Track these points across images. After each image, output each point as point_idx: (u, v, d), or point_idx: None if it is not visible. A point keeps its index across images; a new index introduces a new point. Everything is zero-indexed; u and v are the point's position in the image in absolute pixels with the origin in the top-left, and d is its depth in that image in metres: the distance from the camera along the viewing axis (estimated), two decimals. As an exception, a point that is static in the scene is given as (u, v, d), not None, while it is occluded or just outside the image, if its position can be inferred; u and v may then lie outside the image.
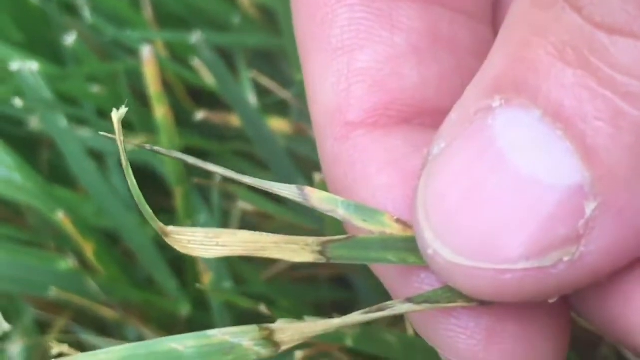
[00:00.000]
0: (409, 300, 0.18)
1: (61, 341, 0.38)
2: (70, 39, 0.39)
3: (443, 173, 0.17)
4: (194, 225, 0.38)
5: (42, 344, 0.38)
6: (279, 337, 0.17)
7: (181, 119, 0.38)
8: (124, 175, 0.40)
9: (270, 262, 0.41)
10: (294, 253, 0.18)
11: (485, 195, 0.16)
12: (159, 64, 0.37)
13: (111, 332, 0.40)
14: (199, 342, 0.17)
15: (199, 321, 0.39)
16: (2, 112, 0.40)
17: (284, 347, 0.17)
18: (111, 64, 0.40)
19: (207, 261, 0.37)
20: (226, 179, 0.38)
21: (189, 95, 0.43)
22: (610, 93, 0.15)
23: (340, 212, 0.18)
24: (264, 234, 0.18)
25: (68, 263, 0.37)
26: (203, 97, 0.42)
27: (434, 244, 0.17)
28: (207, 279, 0.36)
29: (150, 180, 0.40)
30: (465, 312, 0.18)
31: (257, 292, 0.38)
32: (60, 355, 0.32)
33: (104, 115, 0.42)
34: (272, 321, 0.29)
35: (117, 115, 0.17)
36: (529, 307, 0.18)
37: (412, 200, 0.18)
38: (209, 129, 0.40)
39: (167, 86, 0.41)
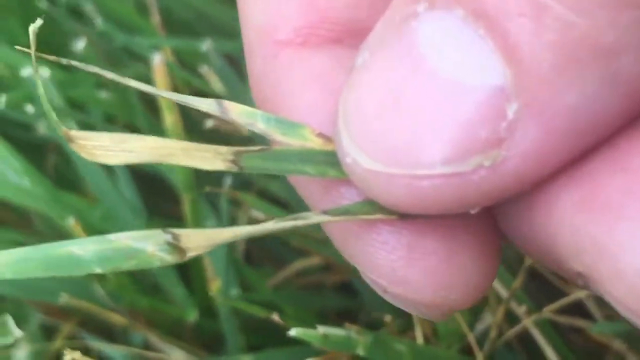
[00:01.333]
0: (326, 212, 0.17)
1: (67, 347, 0.38)
2: (79, 45, 0.39)
3: (364, 80, 0.16)
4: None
5: (48, 349, 0.38)
6: (185, 243, 0.16)
7: (190, 127, 0.38)
8: (132, 181, 0.40)
9: (276, 268, 0.41)
10: (205, 161, 0.17)
11: (404, 99, 0.16)
12: (173, 71, 0.37)
13: (117, 338, 0.40)
14: (100, 247, 0.16)
15: (206, 327, 0.39)
16: (11, 117, 0.40)
17: (190, 254, 0.16)
18: (120, 70, 0.40)
19: (216, 267, 0.37)
20: (235, 187, 0.39)
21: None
22: None
23: (260, 126, 0.18)
24: (174, 140, 0.17)
25: (76, 269, 0.37)
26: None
27: (352, 151, 0.16)
28: (214, 286, 0.36)
29: (159, 187, 0.40)
30: (386, 227, 0.18)
31: (263, 299, 0.38)
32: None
33: (112, 121, 0.42)
34: (285, 331, 0.29)
35: (32, 28, 0.17)
36: (454, 224, 0.18)
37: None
38: (219, 137, 0.40)
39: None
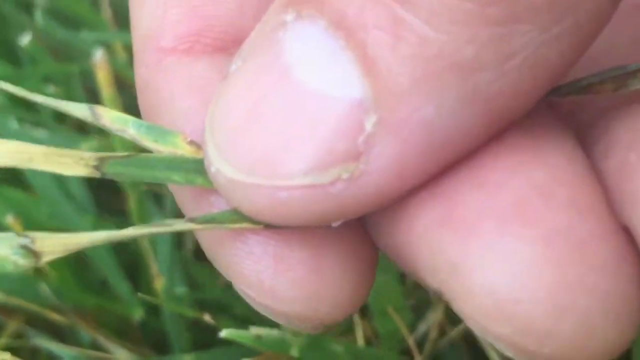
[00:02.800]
0: (192, 220, 0.17)
1: (13, 346, 0.38)
2: (25, 40, 0.39)
3: (231, 89, 0.16)
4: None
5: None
6: (39, 247, 0.16)
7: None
8: (80, 178, 0.39)
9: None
10: (65, 166, 0.17)
11: (267, 110, 0.15)
12: (115, 65, 0.37)
13: (65, 336, 0.40)
14: None
15: (152, 326, 0.38)
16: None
17: (45, 258, 0.16)
18: (66, 65, 0.40)
19: (160, 265, 0.36)
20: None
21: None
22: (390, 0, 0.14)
23: (131, 132, 0.18)
24: (35, 145, 0.17)
25: (19, 266, 0.37)
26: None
27: (216, 161, 0.16)
28: (159, 283, 0.36)
29: (107, 183, 0.40)
30: (252, 237, 0.17)
31: (212, 297, 0.38)
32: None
33: (60, 117, 0.41)
34: (218, 331, 0.29)
35: None
36: (324, 234, 0.17)
37: None
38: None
39: (124, 87, 0.41)
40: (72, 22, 0.42)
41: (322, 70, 0.15)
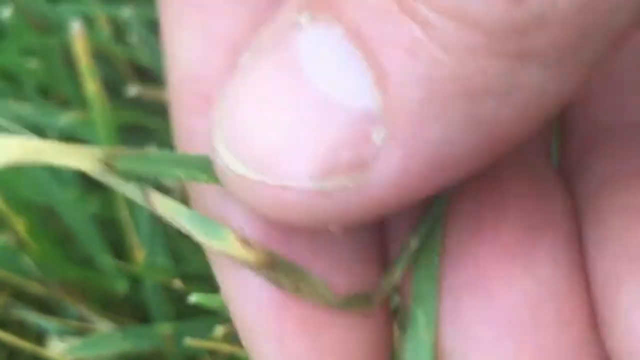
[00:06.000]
0: None
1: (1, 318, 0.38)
2: (6, 12, 0.39)
3: (242, 83, 0.16)
4: (130, 206, 0.38)
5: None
6: None
7: (112, 95, 0.37)
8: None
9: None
10: (75, 161, 0.17)
11: (278, 108, 0.16)
12: (97, 38, 0.37)
13: (53, 310, 0.40)
14: None
15: (137, 298, 0.38)
16: None
17: None
18: (47, 38, 0.40)
19: (141, 237, 0.37)
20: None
21: (135, 73, 0.42)
22: (410, 19, 0.14)
23: (182, 223, 0.18)
24: (41, 140, 0.16)
25: (2, 239, 0.37)
26: (147, 74, 0.42)
27: (224, 155, 0.16)
28: (140, 255, 0.36)
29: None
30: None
31: (195, 270, 0.38)
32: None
33: (44, 90, 0.41)
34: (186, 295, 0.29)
35: None
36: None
37: None
38: (142, 105, 0.40)
39: (108, 62, 0.41)
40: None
41: (334, 76, 0.15)
